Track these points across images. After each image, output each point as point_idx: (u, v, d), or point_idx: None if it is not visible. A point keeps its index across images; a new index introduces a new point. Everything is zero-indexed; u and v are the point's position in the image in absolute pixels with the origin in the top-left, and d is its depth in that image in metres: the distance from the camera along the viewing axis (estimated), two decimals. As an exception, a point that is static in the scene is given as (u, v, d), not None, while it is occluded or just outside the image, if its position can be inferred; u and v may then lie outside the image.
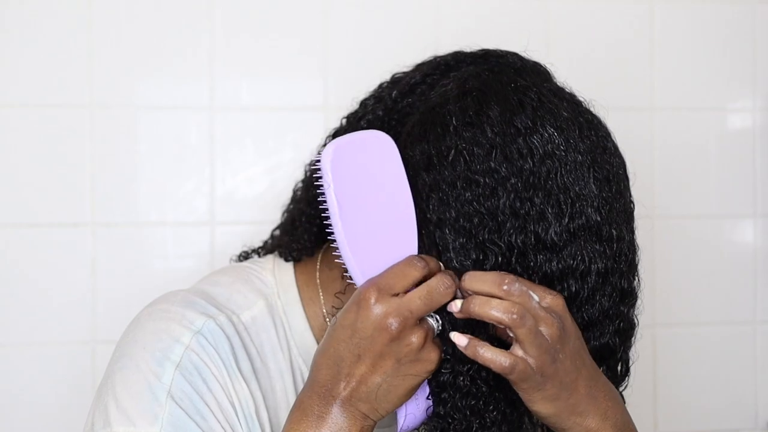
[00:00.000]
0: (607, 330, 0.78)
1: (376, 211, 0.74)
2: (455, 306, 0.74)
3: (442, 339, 0.75)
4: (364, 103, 0.90)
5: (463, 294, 0.74)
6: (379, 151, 0.75)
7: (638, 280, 0.81)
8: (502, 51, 0.86)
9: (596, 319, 0.77)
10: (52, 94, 1.31)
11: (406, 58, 0.93)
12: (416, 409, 0.76)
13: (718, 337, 1.49)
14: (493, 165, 0.75)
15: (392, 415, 0.77)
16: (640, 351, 1.44)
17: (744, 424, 1.49)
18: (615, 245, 0.77)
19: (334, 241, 0.74)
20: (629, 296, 0.79)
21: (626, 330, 0.80)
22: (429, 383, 0.77)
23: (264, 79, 1.37)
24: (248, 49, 1.36)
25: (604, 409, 0.77)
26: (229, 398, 0.78)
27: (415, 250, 0.75)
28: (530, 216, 0.74)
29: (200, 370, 0.78)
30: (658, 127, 1.46)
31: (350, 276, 0.74)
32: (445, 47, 0.91)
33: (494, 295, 0.72)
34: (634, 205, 0.82)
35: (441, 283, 0.72)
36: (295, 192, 0.97)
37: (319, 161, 0.73)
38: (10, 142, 1.31)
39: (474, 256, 0.74)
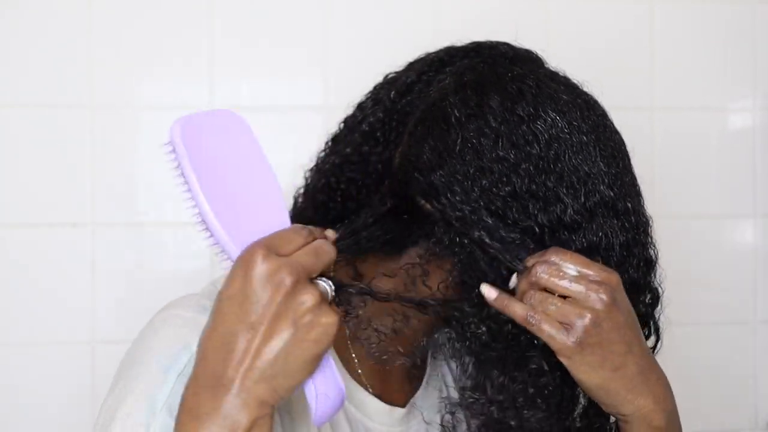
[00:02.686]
0: (638, 301, 0.81)
1: (240, 187, 0.70)
2: (489, 292, 0.76)
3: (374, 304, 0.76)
4: (361, 107, 0.90)
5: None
6: (232, 128, 0.72)
7: (656, 249, 0.83)
8: (492, 42, 0.87)
9: (628, 292, 0.78)
10: (52, 94, 1.31)
11: (406, 57, 0.93)
12: (328, 388, 0.68)
13: (718, 337, 1.48)
14: (501, 153, 0.76)
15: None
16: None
17: (744, 424, 1.49)
18: (632, 217, 0.79)
19: (201, 223, 0.69)
20: (652, 266, 0.82)
21: (655, 300, 0.83)
22: (456, 348, 0.77)
23: (264, 79, 1.37)
24: (248, 49, 1.36)
25: (657, 393, 0.79)
26: None
27: (287, 225, 0.71)
28: (548, 198, 0.76)
29: None
30: (658, 127, 1.46)
31: (223, 252, 0.68)
32: (444, 46, 0.91)
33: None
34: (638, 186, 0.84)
35: (324, 243, 0.69)
36: (296, 199, 0.96)
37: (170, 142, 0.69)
38: (10, 142, 1.31)
39: (513, 236, 0.76)
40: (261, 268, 0.64)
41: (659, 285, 0.84)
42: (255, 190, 0.71)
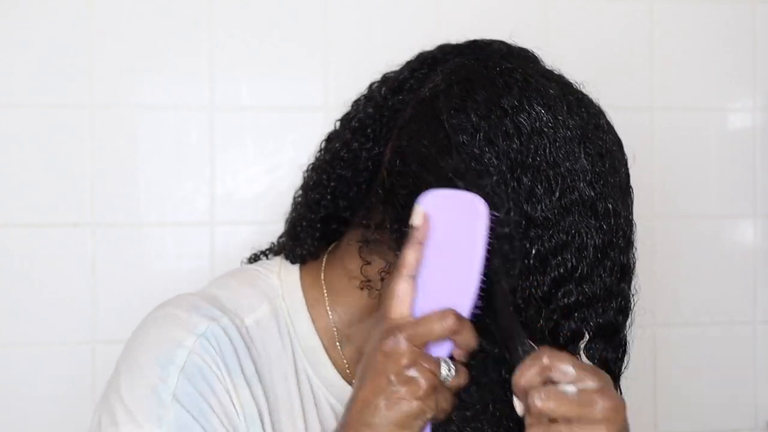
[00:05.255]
0: (609, 307, 0.78)
1: (452, 257, 0.74)
2: (518, 407, 0.73)
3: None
4: (355, 103, 0.91)
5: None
6: (470, 211, 0.74)
7: (634, 257, 0.81)
8: (488, 40, 0.87)
9: (598, 296, 0.77)
10: (52, 94, 1.31)
11: (406, 57, 0.93)
12: None
13: (718, 337, 1.49)
14: (476, 150, 0.75)
15: None
16: (640, 351, 1.44)
17: (744, 424, 1.49)
18: (612, 220, 0.77)
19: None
20: (628, 273, 0.79)
21: (626, 308, 0.80)
22: None
23: (264, 79, 1.37)
24: (248, 49, 1.36)
25: None
26: (232, 401, 0.78)
27: (464, 310, 0.73)
28: (520, 195, 0.75)
29: (203, 372, 0.78)
30: (658, 127, 1.46)
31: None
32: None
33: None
34: (631, 188, 0.82)
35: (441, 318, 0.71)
36: (295, 198, 0.97)
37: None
38: (11, 142, 1.31)
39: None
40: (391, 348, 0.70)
41: (633, 295, 0.81)
42: (456, 271, 0.74)
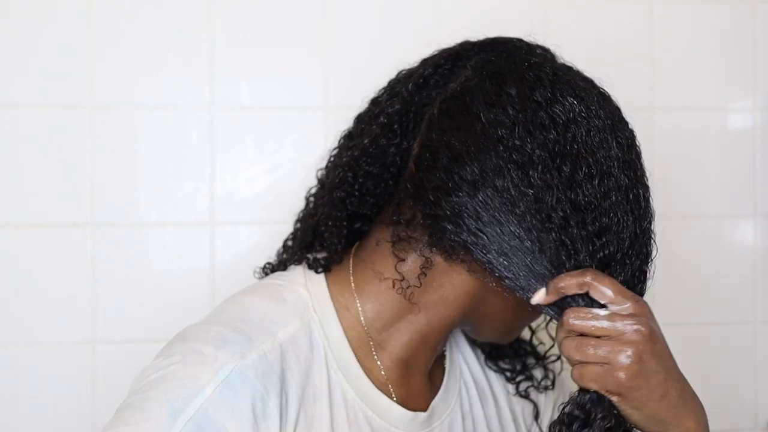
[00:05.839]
0: (636, 292, 0.81)
1: None
2: (539, 295, 0.78)
3: None
4: (376, 102, 0.91)
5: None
6: None
7: (656, 245, 0.84)
8: (506, 37, 0.89)
9: (626, 281, 0.79)
10: (52, 94, 1.31)
11: (407, 56, 0.94)
12: None
13: (718, 337, 1.48)
14: (518, 142, 0.77)
15: None
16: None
17: (744, 424, 1.49)
18: (642, 206, 0.80)
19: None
20: (650, 259, 0.82)
21: (642, 292, 0.82)
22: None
23: (264, 79, 1.37)
24: (248, 49, 1.36)
25: (697, 412, 0.81)
26: None
27: None
28: (562, 183, 0.77)
29: (215, 424, 0.75)
30: (658, 127, 1.46)
31: None
32: (445, 45, 0.91)
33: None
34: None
35: None
36: (307, 199, 0.95)
37: None
38: (10, 142, 1.31)
39: (537, 231, 0.77)
40: None
41: (650, 279, 0.84)
42: None
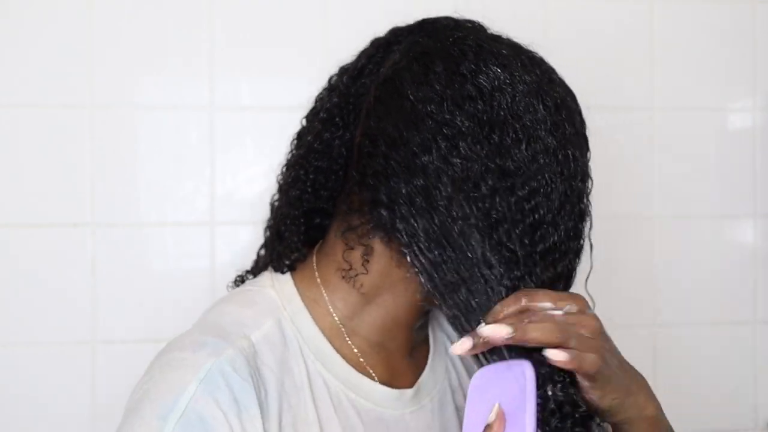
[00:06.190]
0: (571, 251, 0.82)
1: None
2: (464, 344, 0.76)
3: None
4: (318, 98, 0.93)
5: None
6: (520, 379, 0.76)
7: (590, 203, 0.85)
8: (434, 17, 0.91)
9: (562, 241, 0.80)
10: (52, 94, 1.31)
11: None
12: None
13: (718, 337, 1.48)
14: (447, 116, 0.78)
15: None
16: (641, 351, 1.44)
17: (744, 424, 1.49)
18: (571, 166, 0.81)
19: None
20: (584, 218, 0.83)
21: (580, 251, 0.84)
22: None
23: (264, 79, 1.37)
24: (248, 49, 1.36)
25: (643, 386, 0.81)
26: None
27: None
28: (492, 151, 0.78)
29: (204, 418, 0.76)
30: (658, 127, 1.46)
31: None
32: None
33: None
34: (587, 139, 0.86)
35: None
36: (272, 204, 0.97)
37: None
38: (10, 142, 1.31)
39: (468, 203, 0.78)
40: None
41: (588, 238, 0.85)
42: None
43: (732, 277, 1.49)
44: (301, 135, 0.95)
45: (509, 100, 0.79)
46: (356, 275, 0.86)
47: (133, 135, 1.34)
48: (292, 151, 0.95)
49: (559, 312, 0.76)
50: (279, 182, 0.96)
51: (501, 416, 0.72)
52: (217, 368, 0.78)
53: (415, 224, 0.78)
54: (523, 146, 0.78)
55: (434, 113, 0.79)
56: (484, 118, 0.78)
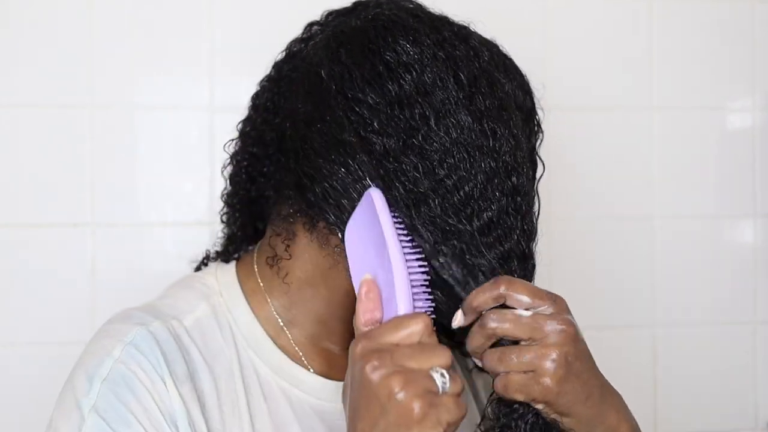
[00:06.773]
0: (515, 229, 0.77)
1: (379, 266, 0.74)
2: (457, 319, 0.74)
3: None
4: (261, 82, 0.94)
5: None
6: (370, 206, 0.75)
7: (530, 178, 0.81)
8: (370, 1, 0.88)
9: (500, 217, 0.76)
10: (52, 94, 1.31)
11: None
12: None
13: (718, 337, 1.48)
14: (360, 95, 0.77)
15: None
16: (641, 351, 1.44)
17: (744, 424, 1.49)
18: (491, 140, 0.77)
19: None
20: (522, 194, 0.78)
21: (531, 232, 0.79)
22: None
23: (264, 79, 1.37)
24: (248, 49, 1.36)
25: (616, 404, 0.77)
26: (158, 404, 0.78)
27: (405, 307, 0.72)
28: (403, 130, 0.76)
29: (128, 380, 0.78)
30: (658, 127, 1.46)
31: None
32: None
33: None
34: (523, 114, 0.82)
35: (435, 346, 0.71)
36: (222, 198, 0.98)
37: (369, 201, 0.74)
38: (10, 142, 1.31)
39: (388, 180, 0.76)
40: (372, 376, 0.68)
41: (534, 218, 0.81)
42: (386, 273, 0.73)
43: (732, 277, 1.49)
44: (248, 124, 0.94)
45: (416, 76, 0.76)
46: (279, 260, 0.85)
47: (133, 135, 1.34)
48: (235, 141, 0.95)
49: (527, 313, 0.73)
50: (226, 183, 0.96)
51: (368, 283, 0.72)
52: (142, 335, 0.80)
53: (342, 202, 0.77)
54: (432, 122, 0.75)
55: (345, 90, 0.77)
56: (393, 94, 0.76)
